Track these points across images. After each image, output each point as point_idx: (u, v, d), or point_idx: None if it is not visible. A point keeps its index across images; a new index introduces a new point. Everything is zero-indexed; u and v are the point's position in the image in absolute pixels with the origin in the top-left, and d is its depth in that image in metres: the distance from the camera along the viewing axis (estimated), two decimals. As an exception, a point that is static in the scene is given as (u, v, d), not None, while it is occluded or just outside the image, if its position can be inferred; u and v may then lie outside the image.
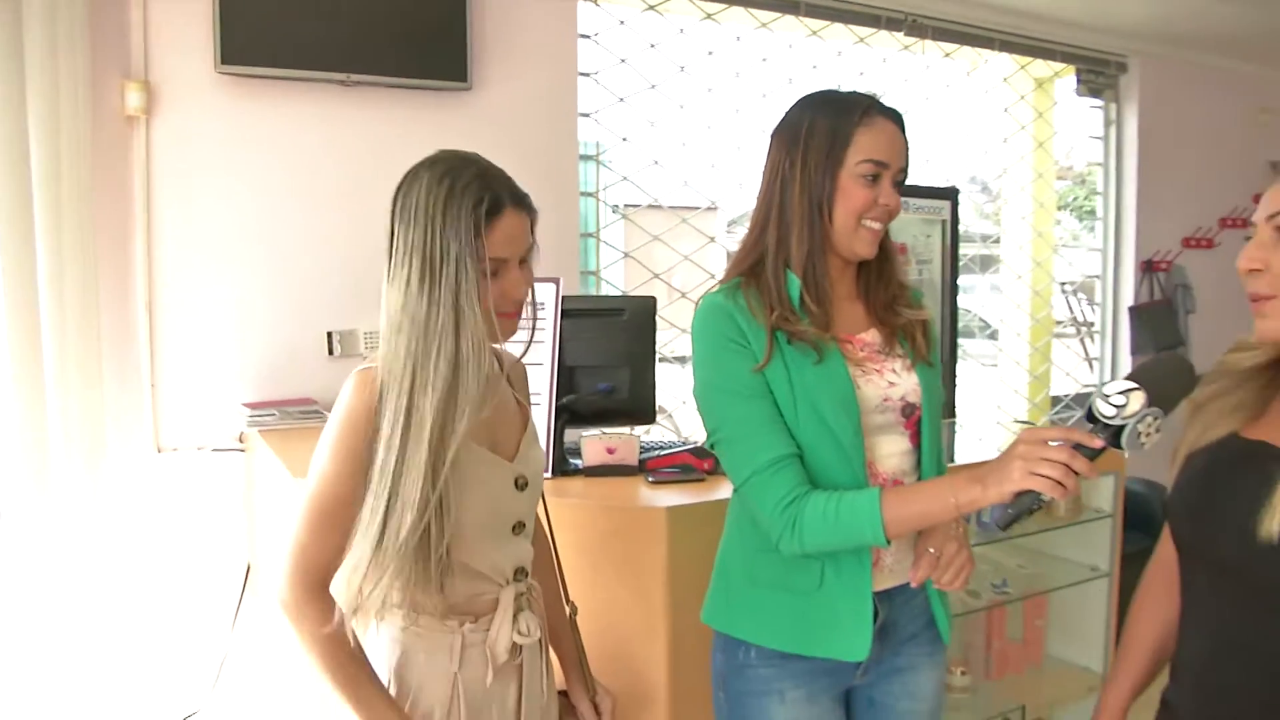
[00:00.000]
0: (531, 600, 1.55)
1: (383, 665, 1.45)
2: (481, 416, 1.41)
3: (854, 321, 1.58)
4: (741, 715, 1.58)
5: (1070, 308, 5.31)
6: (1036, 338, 4.97)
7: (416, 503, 1.33)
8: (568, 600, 1.74)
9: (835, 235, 1.52)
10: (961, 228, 4.13)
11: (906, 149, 1.55)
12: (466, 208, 1.36)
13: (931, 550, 1.48)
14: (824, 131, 1.50)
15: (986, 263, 4.92)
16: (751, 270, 1.55)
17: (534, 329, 1.57)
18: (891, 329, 1.59)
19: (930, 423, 1.58)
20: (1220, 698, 1.24)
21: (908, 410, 1.56)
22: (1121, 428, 1.24)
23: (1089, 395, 5.08)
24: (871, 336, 1.58)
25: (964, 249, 4.74)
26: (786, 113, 1.58)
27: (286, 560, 1.40)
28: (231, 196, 2.87)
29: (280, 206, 2.94)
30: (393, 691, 1.44)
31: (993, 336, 5.19)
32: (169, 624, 2.87)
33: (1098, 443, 1.25)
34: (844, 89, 1.59)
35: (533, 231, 1.47)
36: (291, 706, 2.50)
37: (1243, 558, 1.19)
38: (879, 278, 1.61)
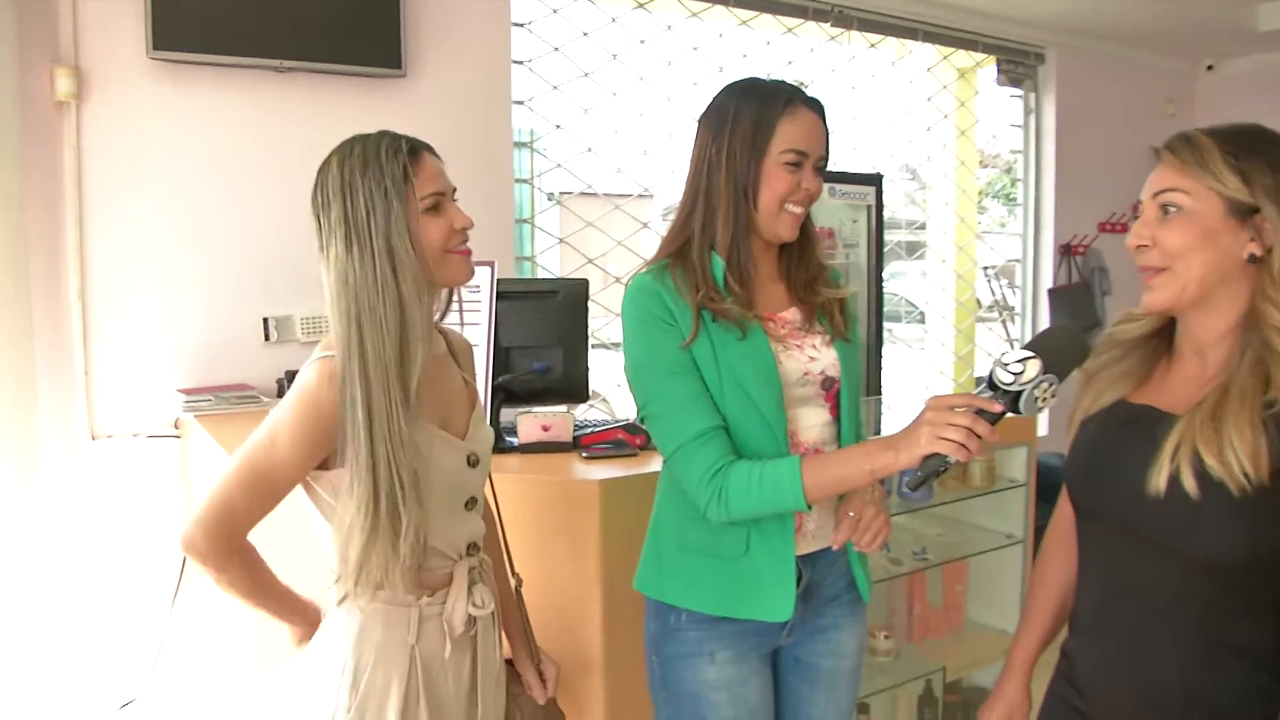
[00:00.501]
0: (484, 573, 1.60)
1: (342, 641, 1.49)
2: (428, 367, 1.45)
3: (775, 300, 1.66)
4: (675, 677, 1.65)
5: (992, 291, 5.49)
6: (960, 320, 5.13)
7: (399, 457, 1.38)
8: (513, 573, 1.79)
9: (759, 219, 1.59)
10: (891, 214, 4.26)
11: (827, 137, 1.62)
12: (388, 158, 1.42)
13: (851, 514, 1.56)
14: (749, 120, 1.56)
15: (913, 248, 5.07)
16: (679, 252, 1.61)
17: (461, 309, 1.63)
18: (811, 307, 1.67)
19: (849, 395, 1.66)
20: (1113, 643, 1.35)
21: (827, 384, 1.64)
22: (1020, 393, 1.33)
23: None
24: (792, 315, 1.65)
25: (893, 235, 4.88)
26: (712, 100, 1.64)
27: (208, 513, 1.41)
28: (165, 183, 2.87)
29: (214, 193, 2.94)
30: (350, 665, 1.47)
31: (920, 320, 5.34)
32: (106, 611, 2.87)
33: (997, 407, 1.34)
34: (769, 78, 1.66)
35: None
36: (228, 691, 2.52)
37: (1134, 513, 1.29)
38: (800, 259, 1.68)
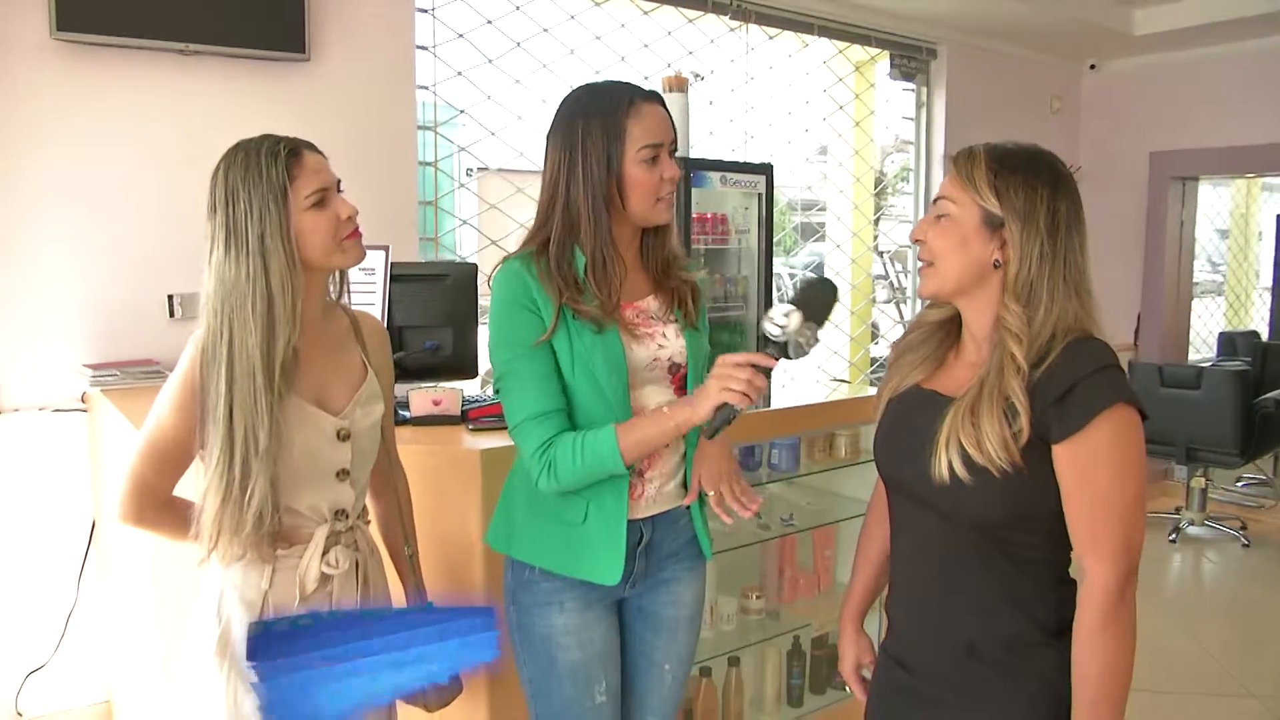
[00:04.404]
0: (356, 538, 1.74)
1: (211, 599, 1.64)
2: (309, 348, 1.61)
3: (636, 288, 1.81)
4: (528, 623, 1.83)
5: (887, 274, 5.75)
6: (855, 302, 5.38)
7: (258, 440, 1.53)
8: (409, 543, 1.93)
9: (634, 215, 1.73)
10: (791, 198, 4.41)
11: (672, 123, 1.76)
12: (268, 163, 1.56)
13: (710, 494, 1.77)
14: (598, 131, 1.68)
15: (808, 232, 5.28)
16: (544, 245, 1.75)
17: (349, 290, 1.77)
18: (668, 294, 1.83)
19: (695, 379, 1.82)
20: (915, 594, 1.56)
21: (673, 368, 1.82)
22: (787, 342, 1.54)
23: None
24: (648, 303, 1.82)
25: (793, 219, 5.08)
26: (556, 116, 1.76)
27: (125, 488, 1.62)
28: (70, 162, 2.93)
29: (120, 173, 3.00)
30: (212, 620, 1.63)
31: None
32: (14, 580, 2.94)
33: (772, 363, 1.55)
34: (605, 81, 1.79)
35: None
36: (135, 660, 2.62)
37: (920, 487, 1.49)
38: (656, 244, 1.83)
